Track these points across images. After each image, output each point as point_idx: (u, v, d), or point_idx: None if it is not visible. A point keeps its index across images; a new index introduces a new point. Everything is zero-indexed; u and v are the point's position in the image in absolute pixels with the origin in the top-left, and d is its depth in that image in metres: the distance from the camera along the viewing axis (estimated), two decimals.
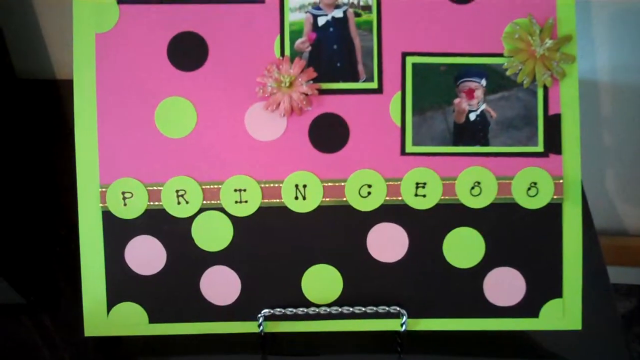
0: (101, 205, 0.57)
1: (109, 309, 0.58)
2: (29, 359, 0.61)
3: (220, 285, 0.58)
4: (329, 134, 0.57)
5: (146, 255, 0.58)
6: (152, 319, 0.58)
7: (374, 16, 0.56)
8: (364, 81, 0.57)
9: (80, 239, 0.58)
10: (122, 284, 0.58)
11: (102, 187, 0.57)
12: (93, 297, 0.58)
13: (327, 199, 0.57)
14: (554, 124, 0.57)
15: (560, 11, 0.56)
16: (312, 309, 0.58)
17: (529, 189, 0.57)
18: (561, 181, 0.57)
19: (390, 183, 0.57)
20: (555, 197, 0.57)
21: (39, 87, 0.85)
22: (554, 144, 0.57)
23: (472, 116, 0.57)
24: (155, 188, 0.57)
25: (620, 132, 0.91)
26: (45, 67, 0.86)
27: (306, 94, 0.56)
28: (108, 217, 0.57)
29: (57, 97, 0.83)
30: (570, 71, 0.56)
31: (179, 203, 0.57)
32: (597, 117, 0.89)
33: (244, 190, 0.57)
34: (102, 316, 0.58)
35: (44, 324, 0.63)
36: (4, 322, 0.63)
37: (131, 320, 0.58)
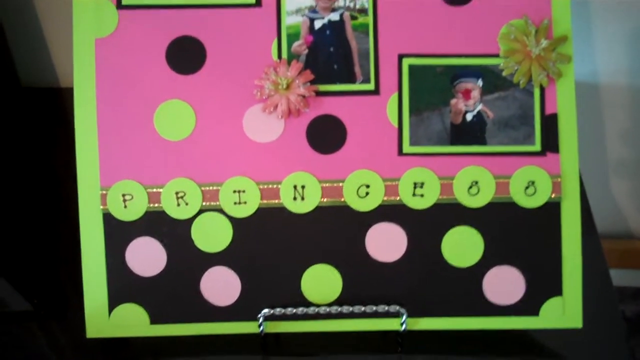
0: (102, 207, 0.58)
1: (110, 310, 0.59)
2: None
3: (220, 286, 0.58)
4: (326, 135, 0.57)
5: (147, 257, 0.58)
6: (153, 320, 0.59)
7: (370, 19, 0.57)
8: (360, 83, 0.57)
9: (81, 242, 0.58)
10: (123, 286, 0.58)
11: (102, 190, 0.57)
12: (94, 299, 0.58)
13: (326, 200, 0.57)
14: (551, 123, 0.57)
15: (556, 12, 0.57)
16: (312, 308, 0.58)
17: (526, 187, 0.57)
18: (559, 180, 0.57)
19: (388, 183, 0.57)
20: (553, 195, 0.57)
21: (42, 95, 0.85)
22: (551, 143, 0.57)
23: (469, 116, 0.57)
24: (155, 190, 0.57)
25: (624, 135, 0.91)
26: (49, 76, 0.87)
27: (303, 96, 0.56)
28: (108, 220, 0.58)
29: (61, 105, 0.83)
30: (567, 71, 0.57)
31: (178, 205, 0.58)
32: (599, 121, 0.89)
33: (243, 191, 0.57)
34: (104, 318, 0.59)
35: (49, 326, 0.63)
36: (9, 326, 0.64)
37: (132, 321, 0.59)
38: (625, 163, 0.94)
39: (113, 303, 0.58)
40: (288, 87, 0.56)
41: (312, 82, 0.57)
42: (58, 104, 0.84)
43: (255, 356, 0.60)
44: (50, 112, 0.83)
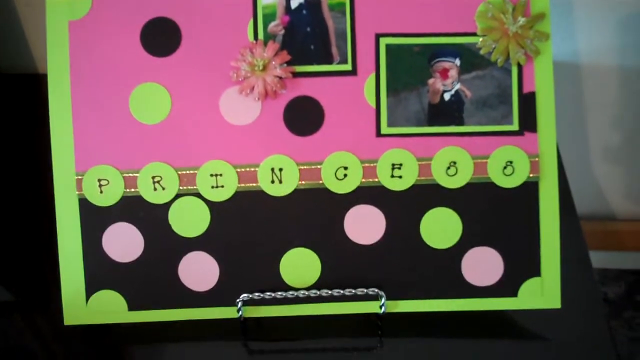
0: (77, 193, 0.57)
1: (87, 297, 0.58)
2: (16, 350, 0.61)
3: (199, 271, 0.58)
4: (304, 117, 0.57)
5: (124, 243, 0.58)
6: (131, 307, 0.58)
7: None
8: (337, 63, 0.56)
9: (57, 228, 0.57)
10: (101, 272, 0.58)
11: (77, 175, 0.57)
12: (72, 285, 0.58)
13: (304, 182, 0.57)
14: (528, 101, 0.57)
15: None
16: (291, 292, 0.58)
17: (504, 167, 0.57)
18: (537, 159, 0.57)
19: (366, 165, 0.57)
20: (531, 175, 0.57)
21: (21, 82, 0.85)
22: (529, 122, 0.57)
23: (447, 96, 0.57)
24: (131, 175, 0.57)
25: (606, 115, 0.91)
26: (27, 62, 0.86)
27: (280, 77, 0.56)
28: (84, 205, 0.57)
29: (39, 91, 0.82)
30: (544, 49, 0.56)
31: (155, 189, 0.57)
32: (580, 101, 0.89)
33: (220, 175, 0.57)
34: (81, 305, 0.58)
35: (29, 314, 0.63)
36: None
37: (110, 308, 0.58)
38: (609, 144, 0.94)
39: (90, 290, 0.58)
40: (264, 68, 0.55)
41: (289, 63, 0.56)
42: (36, 90, 0.83)
43: (236, 341, 0.60)
44: (28, 99, 0.82)
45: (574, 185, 0.71)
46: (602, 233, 1.03)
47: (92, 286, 0.58)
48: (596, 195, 1.00)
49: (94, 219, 0.57)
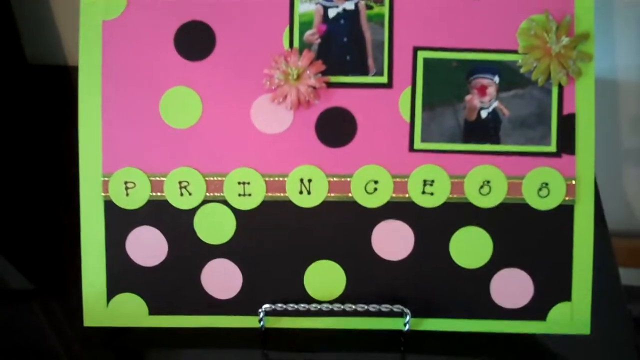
0: (103, 194, 0.56)
1: (108, 299, 0.58)
2: (35, 345, 0.60)
3: (222, 278, 0.57)
4: (336, 128, 0.56)
5: (147, 247, 0.57)
6: (152, 311, 0.58)
7: (385, 9, 0.55)
8: (373, 75, 0.55)
9: (81, 228, 0.57)
10: (123, 275, 0.57)
11: (104, 177, 0.56)
12: (93, 287, 0.57)
13: (332, 194, 0.56)
14: (568, 123, 0.55)
15: (578, 8, 0.55)
16: (314, 305, 0.57)
17: (540, 189, 0.56)
18: (573, 182, 0.55)
19: (397, 180, 0.56)
20: (567, 198, 0.56)
21: (49, 73, 0.84)
22: (567, 144, 0.55)
23: (484, 113, 0.55)
24: (158, 179, 0.56)
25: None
26: (56, 53, 0.86)
27: (314, 87, 0.55)
28: (110, 207, 0.57)
29: (68, 83, 0.82)
30: (587, 70, 0.55)
31: (181, 194, 0.56)
32: (615, 117, 0.87)
33: (248, 183, 0.56)
34: (102, 306, 0.58)
35: (48, 311, 0.62)
36: (12, 308, 0.63)
37: (131, 311, 0.58)
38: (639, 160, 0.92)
39: (112, 292, 0.57)
40: (298, 77, 0.54)
41: (324, 72, 0.55)
42: (65, 83, 0.82)
43: (255, 350, 0.59)
44: (56, 91, 0.82)
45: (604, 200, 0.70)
46: (630, 250, 1.01)
47: (114, 289, 0.57)
48: (624, 211, 0.98)
49: (119, 222, 0.57)
